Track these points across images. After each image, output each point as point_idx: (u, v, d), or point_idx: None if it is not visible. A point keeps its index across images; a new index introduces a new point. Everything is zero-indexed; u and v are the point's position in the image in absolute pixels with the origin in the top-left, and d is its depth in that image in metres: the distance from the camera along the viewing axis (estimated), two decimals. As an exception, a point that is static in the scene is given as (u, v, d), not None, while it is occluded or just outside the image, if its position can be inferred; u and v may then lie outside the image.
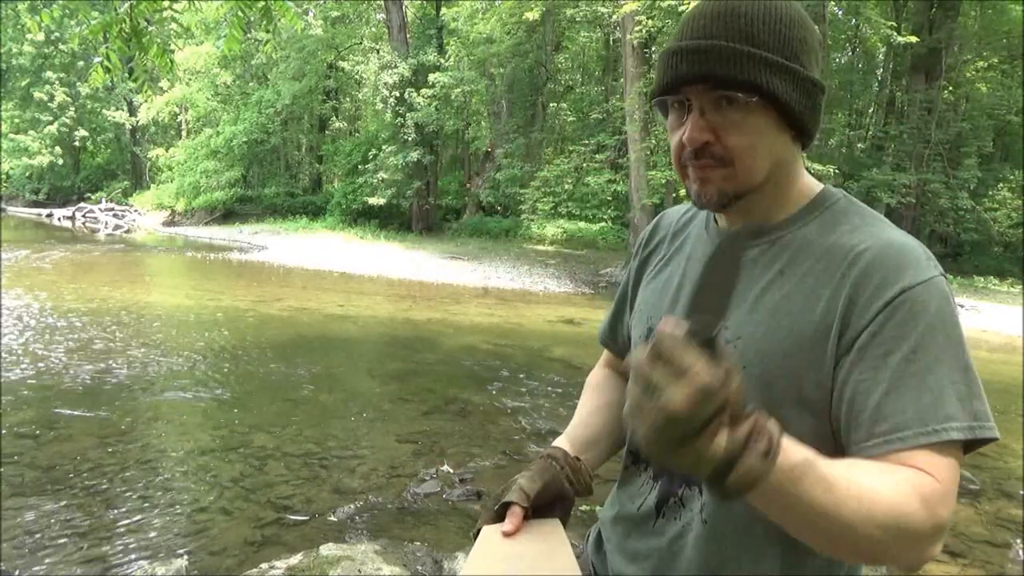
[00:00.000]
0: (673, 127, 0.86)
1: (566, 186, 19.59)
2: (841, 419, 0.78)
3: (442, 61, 22.61)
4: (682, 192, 15.99)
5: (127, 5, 3.75)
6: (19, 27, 29.83)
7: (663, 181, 16.34)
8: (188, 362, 7.00)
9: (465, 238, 22.34)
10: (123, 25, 3.73)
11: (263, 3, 3.78)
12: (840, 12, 22.65)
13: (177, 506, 3.82)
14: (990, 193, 20.98)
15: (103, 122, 38.44)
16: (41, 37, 32.02)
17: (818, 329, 0.79)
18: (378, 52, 25.20)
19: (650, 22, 15.67)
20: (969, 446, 0.75)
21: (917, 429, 0.72)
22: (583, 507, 4.11)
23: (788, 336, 0.81)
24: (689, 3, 14.22)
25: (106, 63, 4.00)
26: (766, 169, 0.84)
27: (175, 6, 4.07)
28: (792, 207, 0.89)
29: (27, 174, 39.59)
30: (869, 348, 0.76)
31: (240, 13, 3.82)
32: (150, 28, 3.98)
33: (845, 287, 0.79)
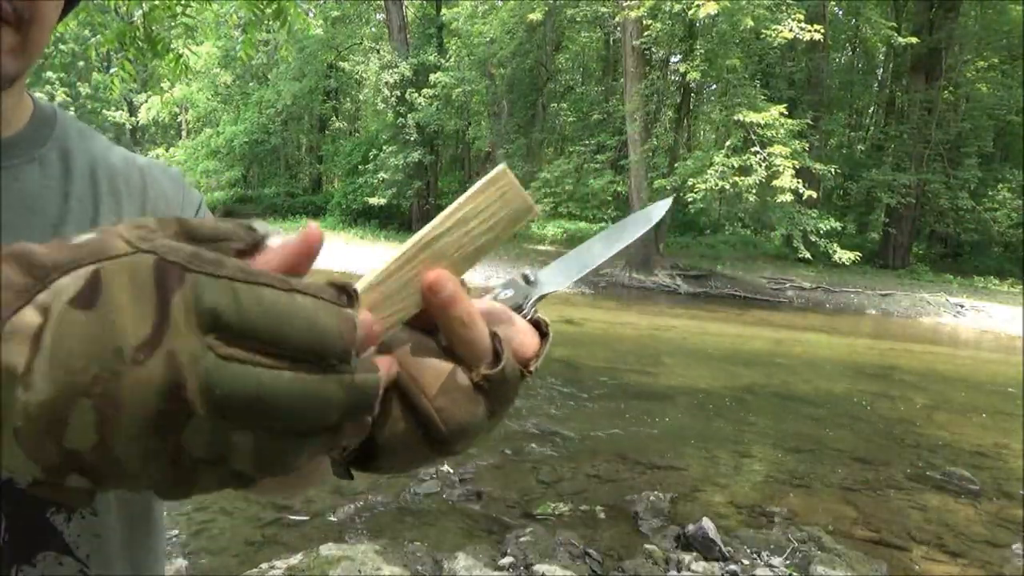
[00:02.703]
0: None
1: (566, 186, 19.60)
2: None
3: (442, 61, 22.61)
4: (687, 195, 16.07)
5: (139, 13, 3.74)
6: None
7: (667, 186, 16.34)
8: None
9: (465, 238, 22.34)
10: (137, 33, 3.71)
11: (276, 5, 3.76)
12: (840, 12, 22.65)
13: (177, 506, 3.82)
14: (990, 193, 20.97)
15: (103, 122, 38.47)
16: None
17: None
18: (378, 52, 25.20)
19: (658, 25, 15.66)
20: None
21: None
22: (583, 506, 4.12)
23: None
24: (697, 7, 14.23)
25: (121, 73, 3.99)
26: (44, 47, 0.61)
27: (187, 9, 4.05)
28: (29, 105, 0.67)
29: (27, 174, 39.52)
30: None
31: (255, 16, 3.81)
32: (163, 34, 3.96)
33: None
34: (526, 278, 0.43)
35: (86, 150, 0.68)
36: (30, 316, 0.26)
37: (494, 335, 0.36)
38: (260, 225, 0.31)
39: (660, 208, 0.49)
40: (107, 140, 0.73)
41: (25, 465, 0.28)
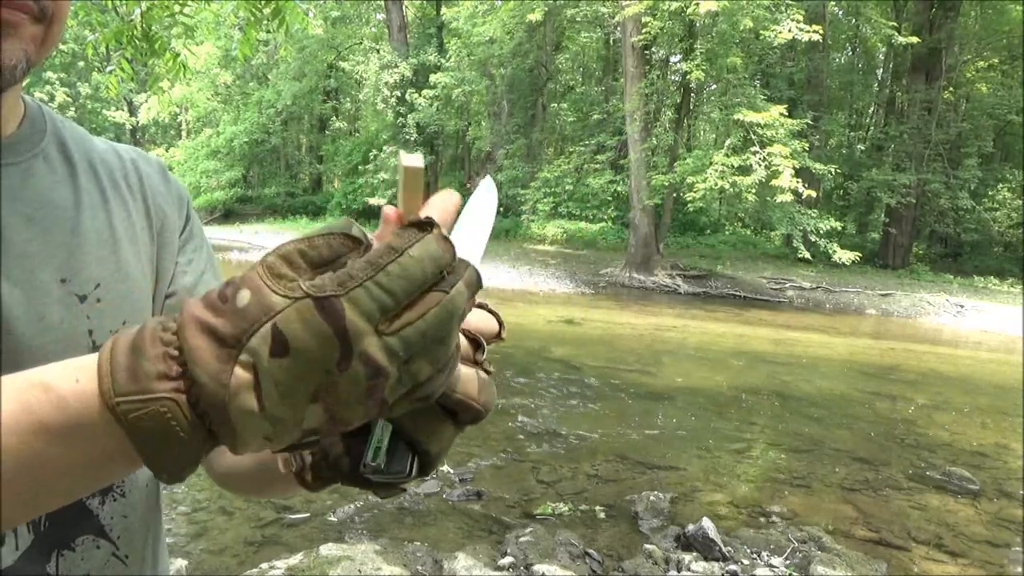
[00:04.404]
0: None
1: (566, 186, 19.60)
2: None
3: (442, 61, 22.62)
4: (687, 195, 16.04)
5: (138, 12, 3.73)
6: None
7: (665, 183, 16.34)
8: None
9: (465, 238, 22.34)
10: (134, 31, 3.71)
11: (275, 4, 3.76)
12: (840, 12, 22.65)
13: (177, 506, 3.82)
14: (990, 193, 21.00)
15: (103, 122, 38.48)
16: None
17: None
18: (378, 52, 25.21)
19: (656, 23, 15.66)
20: None
21: None
22: (583, 506, 4.11)
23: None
24: (695, 5, 14.21)
25: (119, 72, 3.99)
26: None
27: (185, 9, 4.04)
28: (21, 102, 0.68)
29: (27, 174, 39.49)
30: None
31: (252, 16, 3.80)
32: (161, 33, 3.96)
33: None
34: None
35: (78, 141, 0.70)
36: (242, 374, 0.36)
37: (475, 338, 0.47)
38: (356, 229, 0.39)
39: (487, 185, 0.57)
40: (85, 130, 0.74)
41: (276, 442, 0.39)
